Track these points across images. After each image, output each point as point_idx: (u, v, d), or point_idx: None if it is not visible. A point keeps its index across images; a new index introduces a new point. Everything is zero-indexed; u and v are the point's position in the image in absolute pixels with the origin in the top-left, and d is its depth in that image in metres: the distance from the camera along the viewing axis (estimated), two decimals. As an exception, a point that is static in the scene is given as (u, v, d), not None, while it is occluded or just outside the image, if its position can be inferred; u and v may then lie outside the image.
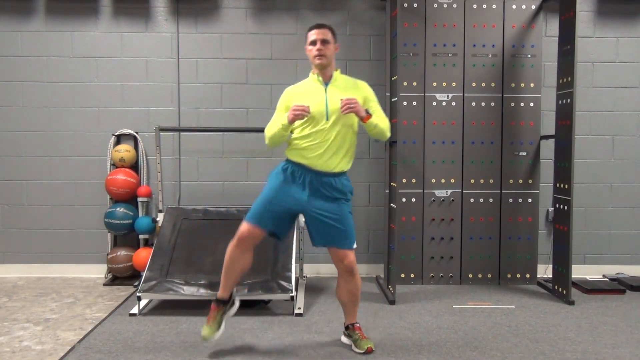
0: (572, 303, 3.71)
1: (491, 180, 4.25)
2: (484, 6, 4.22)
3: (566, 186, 3.77)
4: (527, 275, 4.28)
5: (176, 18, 4.44)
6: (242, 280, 3.53)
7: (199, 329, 3.16)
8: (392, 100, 3.89)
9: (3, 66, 4.42)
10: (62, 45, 4.42)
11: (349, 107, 2.64)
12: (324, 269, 4.54)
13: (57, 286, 4.19)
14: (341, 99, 2.67)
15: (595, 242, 4.56)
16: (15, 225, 4.49)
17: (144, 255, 4.11)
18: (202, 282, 3.53)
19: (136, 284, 4.10)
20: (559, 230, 3.88)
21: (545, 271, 4.37)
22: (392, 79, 3.89)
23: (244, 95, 4.48)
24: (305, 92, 2.83)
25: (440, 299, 3.83)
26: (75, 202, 4.49)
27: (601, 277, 4.45)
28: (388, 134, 2.86)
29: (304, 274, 4.35)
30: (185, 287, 3.48)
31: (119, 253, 4.28)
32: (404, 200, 4.21)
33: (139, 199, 4.34)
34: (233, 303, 2.92)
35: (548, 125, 4.29)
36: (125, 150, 4.34)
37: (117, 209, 4.25)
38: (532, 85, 4.26)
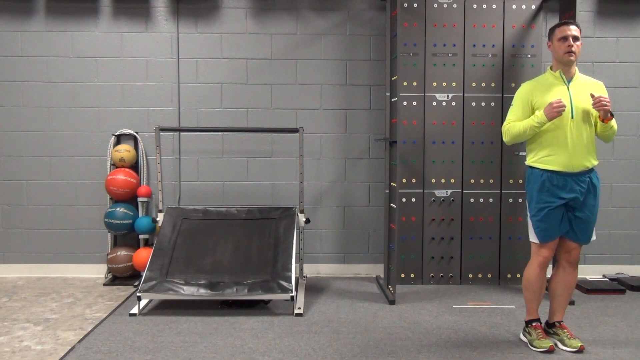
0: (571, 303, 3.71)
1: (491, 180, 4.25)
2: (484, 6, 4.22)
3: (566, 186, 3.77)
4: (527, 275, 4.27)
5: (176, 18, 4.44)
6: (241, 280, 3.54)
7: (199, 329, 3.17)
8: (392, 100, 3.89)
9: (3, 66, 4.42)
10: (62, 45, 4.42)
11: (603, 104, 2.67)
12: (324, 269, 4.54)
13: (57, 286, 4.19)
14: (592, 95, 2.70)
15: (595, 242, 4.53)
16: (15, 225, 4.49)
17: (144, 255, 4.11)
18: (202, 282, 3.53)
19: (136, 284, 4.11)
20: (559, 230, 3.87)
21: (545, 271, 4.37)
22: (392, 79, 3.88)
23: (244, 95, 4.48)
24: (546, 88, 2.83)
25: (440, 299, 3.83)
26: (75, 202, 4.49)
27: (601, 277, 4.45)
28: (614, 137, 2.92)
29: (304, 274, 4.35)
30: (185, 287, 3.48)
31: (119, 253, 4.28)
32: (404, 200, 4.21)
33: (139, 199, 4.34)
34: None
35: (548, 125, 4.28)
36: (125, 150, 4.34)
37: (117, 209, 4.25)
38: (532, 85, 4.25)
